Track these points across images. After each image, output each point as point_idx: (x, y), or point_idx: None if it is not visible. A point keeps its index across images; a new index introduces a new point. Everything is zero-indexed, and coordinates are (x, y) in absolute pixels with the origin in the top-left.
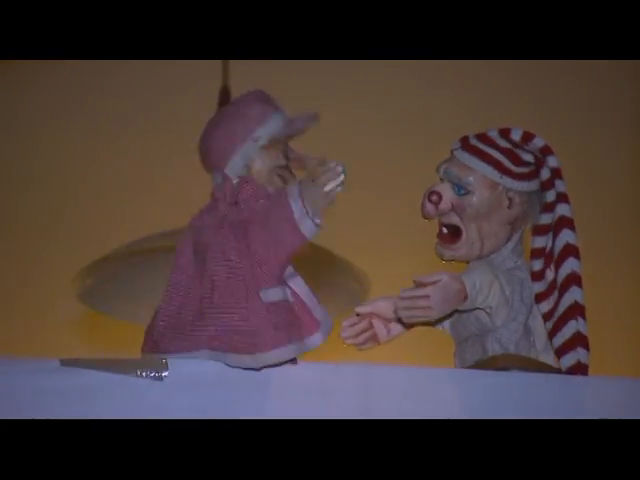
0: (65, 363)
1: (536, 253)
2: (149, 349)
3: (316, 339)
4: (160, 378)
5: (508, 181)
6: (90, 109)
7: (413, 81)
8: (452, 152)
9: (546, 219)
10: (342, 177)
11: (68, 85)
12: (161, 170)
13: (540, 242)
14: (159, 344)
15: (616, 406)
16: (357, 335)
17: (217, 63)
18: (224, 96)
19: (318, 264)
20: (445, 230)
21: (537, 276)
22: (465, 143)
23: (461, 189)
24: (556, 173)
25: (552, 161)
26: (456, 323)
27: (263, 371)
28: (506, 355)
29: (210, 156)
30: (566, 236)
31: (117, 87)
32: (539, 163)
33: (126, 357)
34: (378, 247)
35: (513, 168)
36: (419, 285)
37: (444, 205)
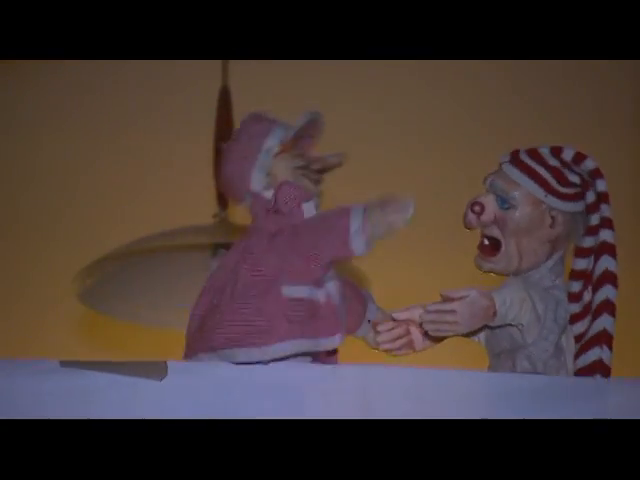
0: (65, 364)
1: (576, 274)
2: (185, 354)
3: (334, 341)
4: (160, 379)
5: (553, 200)
6: (90, 109)
7: (413, 81)
8: (500, 165)
9: (589, 242)
10: (409, 214)
11: (68, 85)
12: (161, 170)
13: (581, 264)
14: (190, 347)
15: (616, 406)
16: (394, 340)
17: (217, 63)
18: (224, 96)
19: None
20: (486, 242)
21: (575, 297)
22: (515, 157)
23: (505, 203)
24: (603, 197)
25: (600, 185)
26: (490, 337)
27: (262, 372)
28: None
29: (233, 185)
30: (606, 262)
31: (117, 87)
32: (586, 185)
33: (126, 359)
34: (378, 247)
35: (559, 188)
36: (446, 299)
37: (486, 217)
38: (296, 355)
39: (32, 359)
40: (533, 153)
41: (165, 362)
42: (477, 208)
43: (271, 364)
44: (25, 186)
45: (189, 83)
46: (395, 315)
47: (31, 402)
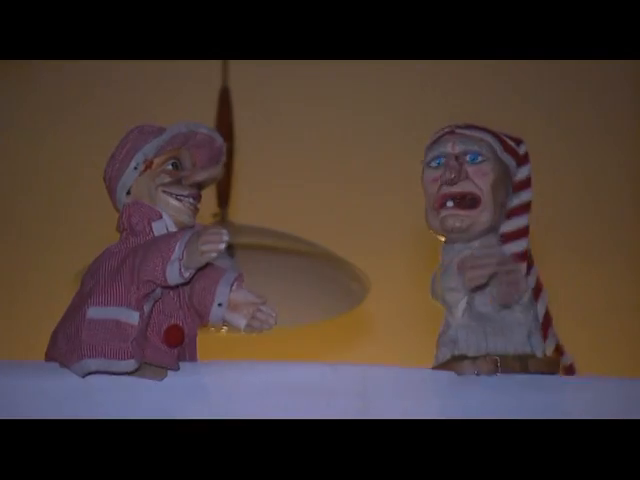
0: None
1: (523, 232)
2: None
3: (123, 365)
4: (160, 379)
5: (507, 158)
6: (90, 109)
7: (413, 81)
8: (450, 133)
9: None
10: (222, 246)
11: (68, 85)
12: None
13: (523, 221)
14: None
15: (615, 406)
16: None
17: (217, 63)
18: (224, 96)
19: (318, 264)
20: (451, 203)
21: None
22: (459, 125)
23: (477, 156)
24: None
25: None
26: (476, 309)
27: (261, 372)
28: (547, 358)
29: (110, 196)
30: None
31: (117, 87)
32: (525, 158)
33: None
34: (378, 247)
35: (514, 147)
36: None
37: (462, 173)
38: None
39: (32, 359)
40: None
41: (165, 367)
42: (461, 159)
43: (270, 365)
44: (25, 186)
45: (189, 83)
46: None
47: (31, 402)
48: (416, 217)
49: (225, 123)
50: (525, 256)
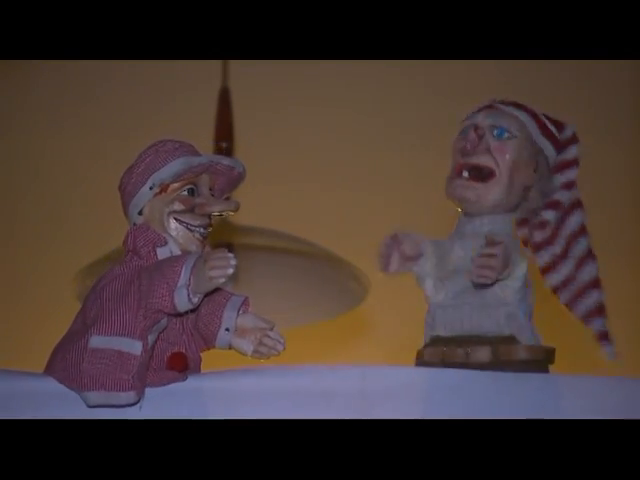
0: None
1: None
2: None
3: (124, 397)
4: None
5: (543, 142)
6: (90, 109)
7: (413, 81)
8: (489, 107)
9: (564, 196)
10: (230, 271)
11: (68, 85)
12: None
13: (550, 215)
14: None
15: (615, 406)
16: (388, 257)
17: (217, 63)
18: (224, 96)
19: (318, 264)
20: (467, 174)
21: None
22: (503, 100)
23: (504, 132)
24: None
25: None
26: (455, 288)
27: (260, 373)
28: (532, 347)
29: (123, 208)
30: (580, 216)
31: (117, 87)
32: (574, 138)
33: None
34: (378, 247)
35: (554, 132)
36: (490, 242)
37: (481, 145)
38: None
39: (31, 361)
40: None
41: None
42: (480, 131)
43: (271, 366)
44: (25, 187)
45: (189, 83)
46: (397, 233)
47: (32, 403)
48: (416, 217)
49: (225, 123)
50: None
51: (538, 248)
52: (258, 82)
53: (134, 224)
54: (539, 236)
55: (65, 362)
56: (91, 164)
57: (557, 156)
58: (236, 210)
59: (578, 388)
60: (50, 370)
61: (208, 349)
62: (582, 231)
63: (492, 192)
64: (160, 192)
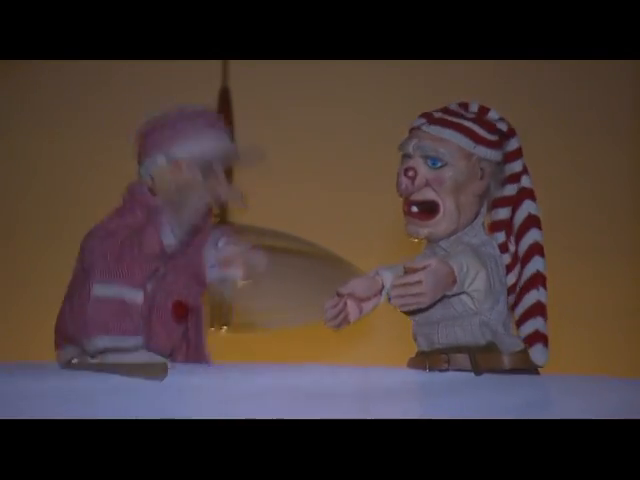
0: (65, 366)
1: (499, 225)
2: None
3: (132, 341)
4: (160, 380)
5: (482, 150)
6: (90, 109)
7: (413, 81)
8: (418, 129)
9: (510, 190)
10: (202, 194)
11: (68, 85)
12: None
13: (503, 214)
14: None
15: (615, 406)
16: (337, 317)
17: (217, 63)
18: (224, 96)
19: (318, 264)
20: (415, 208)
21: (503, 248)
22: (430, 118)
23: (437, 162)
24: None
25: (516, 140)
26: (436, 304)
27: (261, 373)
28: (514, 354)
29: (138, 150)
30: (529, 207)
31: (117, 87)
32: (510, 132)
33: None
34: (378, 247)
35: (487, 136)
36: (410, 271)
37: (419, 181)
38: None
39: (31, 359)
40: (446, 110)
41: (165, 363)
42: (411, 173)
43: (270, 366)
44: (25, 186)
45: (189, 83)
46: (340, 290)
47: (31, 403)
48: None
49: (225, 123)
50: (504, 248)
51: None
52: (258, 82)
53: (143, 181)
54: (498, 238)
55: (72, 315)
56: (90, 164)
57: (500, 151)
58: (242, 203)
59: (577, 388)
60: (60, 323)
61: (205, 287)
62: (531, 222)
63: (442, 226)
64: (173, 166)
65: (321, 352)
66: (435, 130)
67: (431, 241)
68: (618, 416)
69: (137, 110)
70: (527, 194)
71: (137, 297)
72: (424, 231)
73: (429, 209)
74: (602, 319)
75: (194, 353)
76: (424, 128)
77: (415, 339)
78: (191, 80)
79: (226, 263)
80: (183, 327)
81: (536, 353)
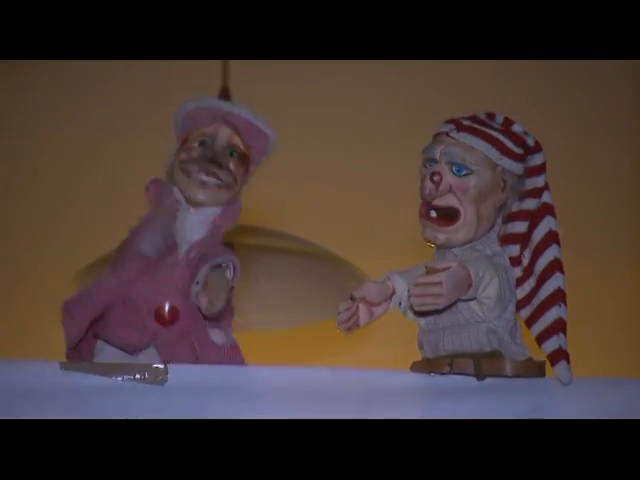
0: (65, 367)
1: (515, 238)
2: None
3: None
4: (161, 383)
5: (507, 162)
6: (90, 109)
7: (412, 81)
8: (446, 134)
9: (530, 204)
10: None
11: (68, 85)
12: (161, 170)
13: (520, 227)
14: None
15: (615, 406)
16: (348, 320)
17: (217, 63)
18: (224, 96)
19: (318, 264)
20: (434, 214)
21: (515, 262)
22: (460, 124)
23: (462, 169)
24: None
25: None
26: (433, 312)
27: (261, 374)
28: (519, 362)
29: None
30: (549, 223)
31: (117, 87)
32: (537, 147)
33: (127, 362)
34: (378, 247)
35: (514, 149)
36: (432, 271)
37: (443, 186)
38: None
39: (32, 360)
40: (474, 118)
41: (165, 365)
42: (436, 177)
43: (270, 367)
44: (25, 186)
45: (189, 83)
46: (353, 294)
47: (31, 403)
48: (416, 217)
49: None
50: (517, 261)
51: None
52: (258, 82)
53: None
54: (511, 251)
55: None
56: (91, 164)
57: (523, 165)
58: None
59: (578, 389)
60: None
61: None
62: (550, 239)
63: (460, 233)
64: (181, 145)
65: (321, 352)
66: (464, 137)
67: (445, 248)
68: (618, 416)
69: (137, 110)
70: (548, 210)
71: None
72: (442, 237)
73: (449, 215)
74: (602, 319)
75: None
76: (453, 134)
77: (420, 347)
78: (191, 80)
79: (204, 287)
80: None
81: (561, 370)
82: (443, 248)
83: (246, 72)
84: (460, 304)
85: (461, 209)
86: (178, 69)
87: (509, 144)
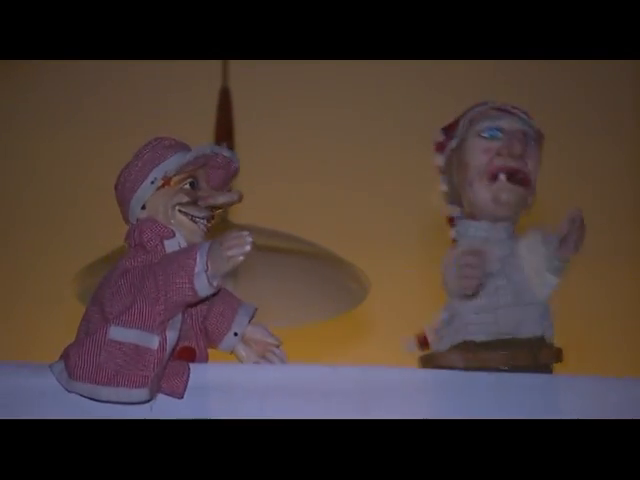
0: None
1: None
2: None
3: (137, 394)
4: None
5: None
6: (90, 109)
7: (412, 81)
8: (506, 110)
9: None
10: (247, 248)
11: (68, 85)
12: None
13: None
14: None
15: (615, 406)
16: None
17: (217, 63)
18: (224, 96)
19: (318, 264)
20: (503, 177)
21: None
22: (511, 105)
23: (531, 140)
24: None
25: None
26: (488, 290)
27: (261, 373)
28: (547, 351)
29: (120, 207)
30: None
31: (117, 87)
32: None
33: None
34: (378, 247)
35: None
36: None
37: (522, 149)
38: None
39: (31, 360)
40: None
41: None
42: (522, 137)
43: (271, 367)
44: (25, 186)
45: (189, 83)
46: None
47: (31, 403)
48: (416, 217)
49: (225, 123)
50: None
51: None
52: (258, 82)
53: (137, 219)
54: None
55: (80, 349)
56: (90, 164)
57: None
58: (240, 200)
59: (578, 388)
60: (73, 362)
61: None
62: None
63: (529, 200)
64: (163, 186)
65: (321, 352)
66: (520, 114)
67: (498, 216)
68: (618, 416)
69: (137, 110)
70: None
71: (153, 343)
72: (520, 198)
73: (517, 180)
74: (602, 319)
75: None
76: (513, 111)
77: (456, 329)
78: (191, 80)
79: (247, 341)
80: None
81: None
82: (495, 217)
83: (246, 72)
84: (522, 283)
85: (530, 175)
86: (178, 69)
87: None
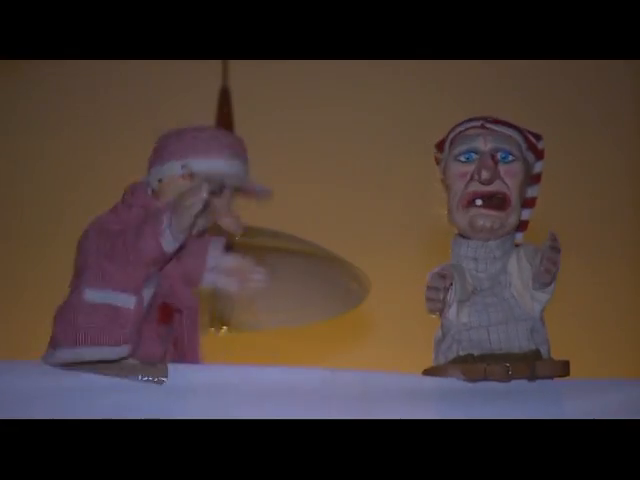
0: (64, 366)
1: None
2: None
3: (117, 351)
4: (160, 383)
5: (530, 156)
6: (90, 109)
7: (413, 81)
8: (481, 127)
9: (525, 214)
10: (204, 195)
11: (68, 85)
12: None
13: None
14: None
15: (615, 406)
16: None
17: (217, 63)
18: (224, 96)
19: (319, 264)
20: (480, 202)
21: None
22: (489, 117)
23: (508, 156)
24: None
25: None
26: (477, 308)
27: (261, 374)
28: (544, 364)
29: (153, 151)
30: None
31: (117, 87)
32: (542, 154)
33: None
34: (378, 247)
35: (536, 144)
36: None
37: (495, 173)
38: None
39: (31, 360)
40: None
41: (165, 364)
42: (491, 163)
43: (271, 369)
44: (25, 186)
45: (189, 83)
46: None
47: (30, 402)
48: (417, 217)
49: (225, 123)
50: None
51: None
52: (258, 82)
53: (148, 183)
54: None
55: (61, 316)
56: (91, 164)
57: (535, 164)
58: (240, 235)
59: (578, 389)
60: (54, 332)
61: (195, 287)
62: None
63: (511, 218)
64: (186, 177)
65: (321, 352)
66: (500, 127)
67: (493, 237)
68: (618, 416)
69: (137, 110)
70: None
71: (130, 303)
72: (497, 222)
73: (498, 202)
74: (602, 319)
75: (187, 354)
76: (488, 125)
77: (453, 345)
78: (191, 80)
79: (226, 272)
80: (172, 329)
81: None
82: (480, 239)
83: (246, 72)
84: (511, 300)
85: (510, 195)
86: (178, 69)
87: (531, 137)
